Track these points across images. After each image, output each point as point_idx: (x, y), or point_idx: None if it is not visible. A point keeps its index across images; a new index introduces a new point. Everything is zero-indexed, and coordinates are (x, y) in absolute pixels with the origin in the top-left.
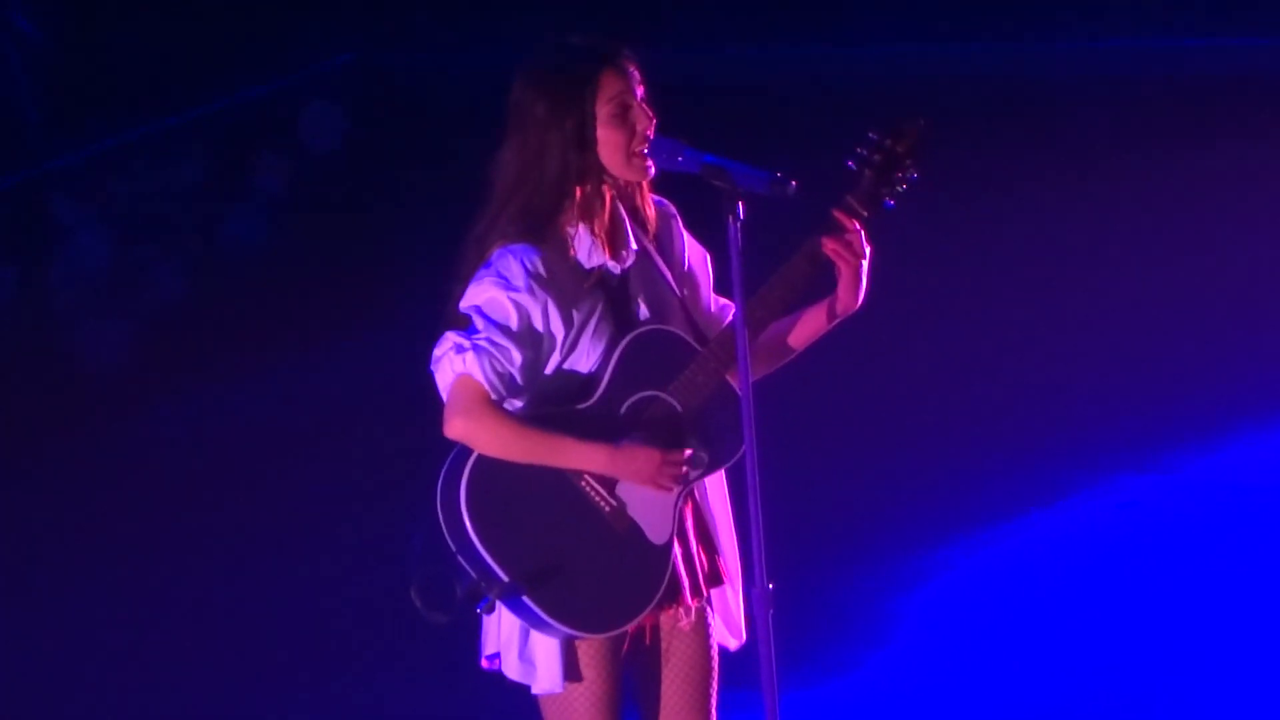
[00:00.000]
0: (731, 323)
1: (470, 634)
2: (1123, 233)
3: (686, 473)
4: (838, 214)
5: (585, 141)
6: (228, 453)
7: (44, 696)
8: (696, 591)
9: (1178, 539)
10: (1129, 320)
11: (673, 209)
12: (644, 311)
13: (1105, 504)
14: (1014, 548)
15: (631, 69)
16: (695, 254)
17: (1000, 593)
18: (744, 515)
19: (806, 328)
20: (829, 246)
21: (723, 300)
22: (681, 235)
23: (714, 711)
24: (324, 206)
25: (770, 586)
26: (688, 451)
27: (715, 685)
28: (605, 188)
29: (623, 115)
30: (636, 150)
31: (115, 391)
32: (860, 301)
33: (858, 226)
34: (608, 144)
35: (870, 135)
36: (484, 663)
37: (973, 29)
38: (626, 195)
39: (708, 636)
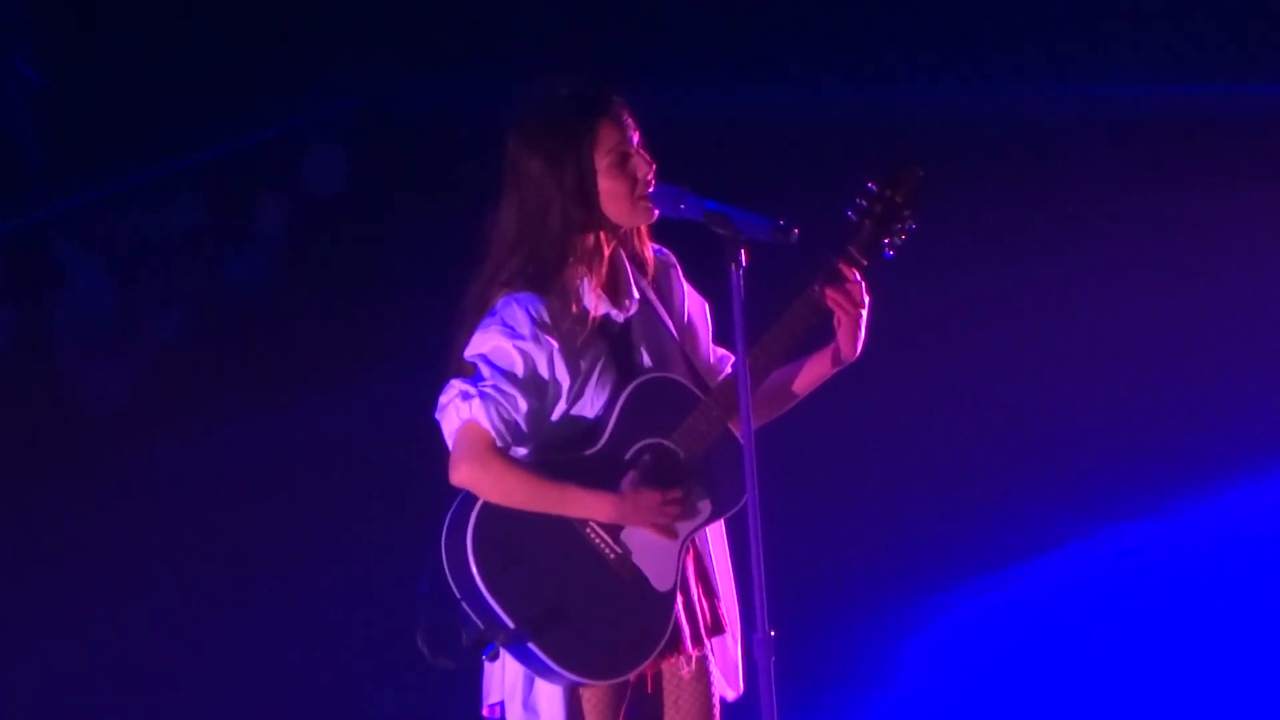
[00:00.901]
0: (733, 371)
1: (472, 682)
2: (1124, 277)
3: (686, 514)
4: (837, 263)
5: (587, 195)
6: (228, 493)
7: None
8: (698, 640)
9: (1178, 586)
10: (1130, 365)
11: (672, 258)
12: (646, 359)
13: (1106, 551)
14: (1016, 593)
15: (626, 116)
16: (695, 304)
17: (1002, 637)
18: (745, 562)
19: (807, 376)
20: (829, 296)
21: (721, 350)
22: (681, 284)
23: None
24: (326, 249)
25: (772, 634)
26: (682, 493)
27: None
28: (605, 238)
29: (622, 164)
30: (640, 196)
31: (117, 432)
32: (859, 350)
33: (858, 276)
34: (610, 194)
35: (869, 186)
36: (485, 711)
37: (976, 72)
38: (626, 241)
39: (709, 685)
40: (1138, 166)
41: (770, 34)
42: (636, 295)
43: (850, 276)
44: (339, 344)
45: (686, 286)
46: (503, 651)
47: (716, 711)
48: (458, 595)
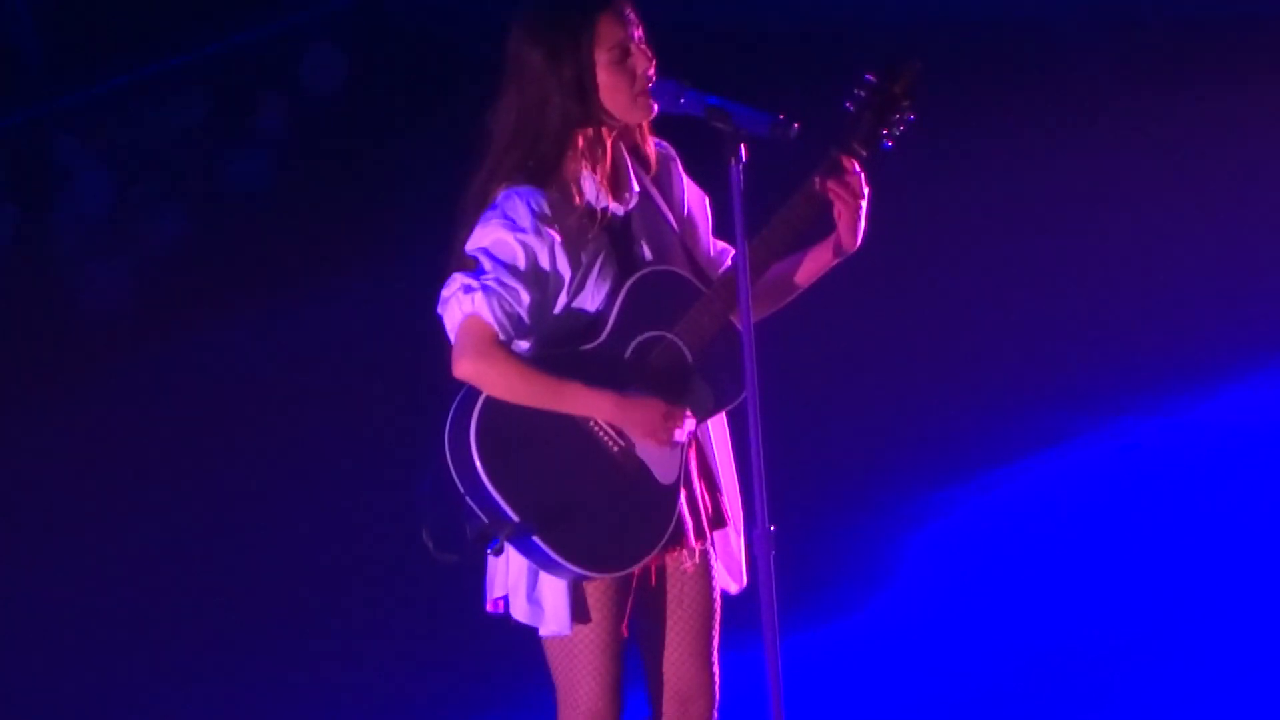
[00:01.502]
0: (734, 264)
1: (475, 577)
2: (1122, 175)
3: (686, 424)
4: (835, 154)
5: (585, 89)
6: (230, 394)
7: (42, 644)
8: (700, 534)
9: (1180, 482)
10: (1129, 263)
11: (672, 151)
12: (647, 253)
13: (1107, 448)
14: (1015, 490)
15: (628, 11)
16: (694, 197)
17: (1001, 535)
18: (746, 458)
19: (807, 268)
20: (828, 187)
21: (721, 244)
22: (681, 178)
23: (715, 653)
24: (326, 148)
25: (772, 529)
26: (686, 410)
27: (717, 628)
28: (606, 131)
29: (622, 60)
30: (639, 92)
31: (117, 332)
32: (859, 242)
33: (857, 167)
34: (609, 89)
35: (866, 77)
36: (489, 606)
37: None
38: (627, 135)
39: (710, 579)
40: (1138, 64)
41: None
42: (636, 189)
43: (849, 168)
44: (340, 242)
45: (686, 179)
46: (506, 546)
47: (718, 605)
48: (461, 490)
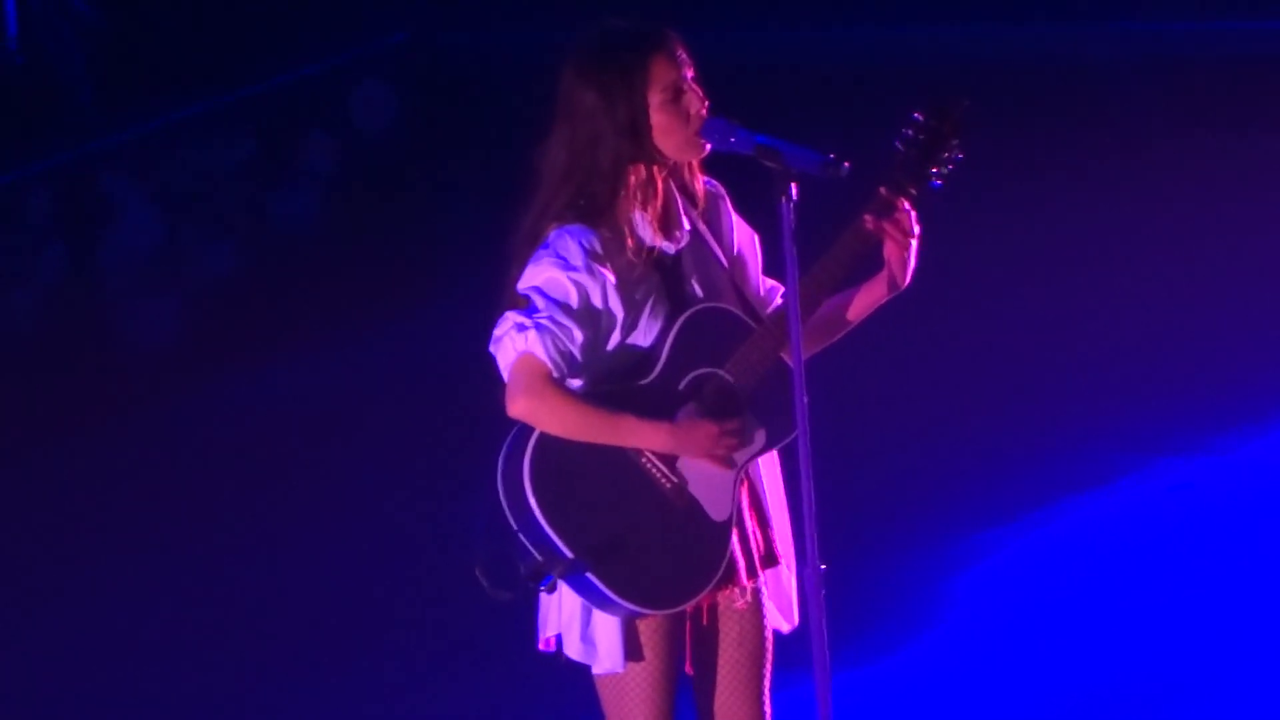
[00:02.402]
0: (785, 302)
1: (528, 615)
2: (1171, 215)
3: (741, 445)
4: (885, 192)
5: (639, 129)
6: (278, 431)
7: (88, 670)
8: (752, 572)
9: (1229, 522)
10: (1177, 302)
11: (722, 189)
12: (698, 290)
13: (1155, 487)
14: (1064, 529)
15: (680, 52)
16: (744, 235)
17: (1050, 574)
18: (796, 496)
19: (859, 304)
20: (879, 225)
21: (770, 282)
22: (730, 216)
23: (767, 692)
24: (375, 186)
25: (823, 567)
26: (739, 425)
27: (769, 667)
28: (658, 170)
29: (676, 100)
30: (692, 132)
31: (165, 370)
32: (909, 280)
33: (906, 205)
34: (663, 129)
35: (915, 115)
36: (541, 644)
37: (1020, 8)
38: (676, 173)
39: (762, 618)
40: (1183, 104)
41: None
42: (687, 227)
43: (899, 206)
44: (389, 280)
45: (735, 218)
46: (560, 584)
47: (769, 644)
48: (514, 527)
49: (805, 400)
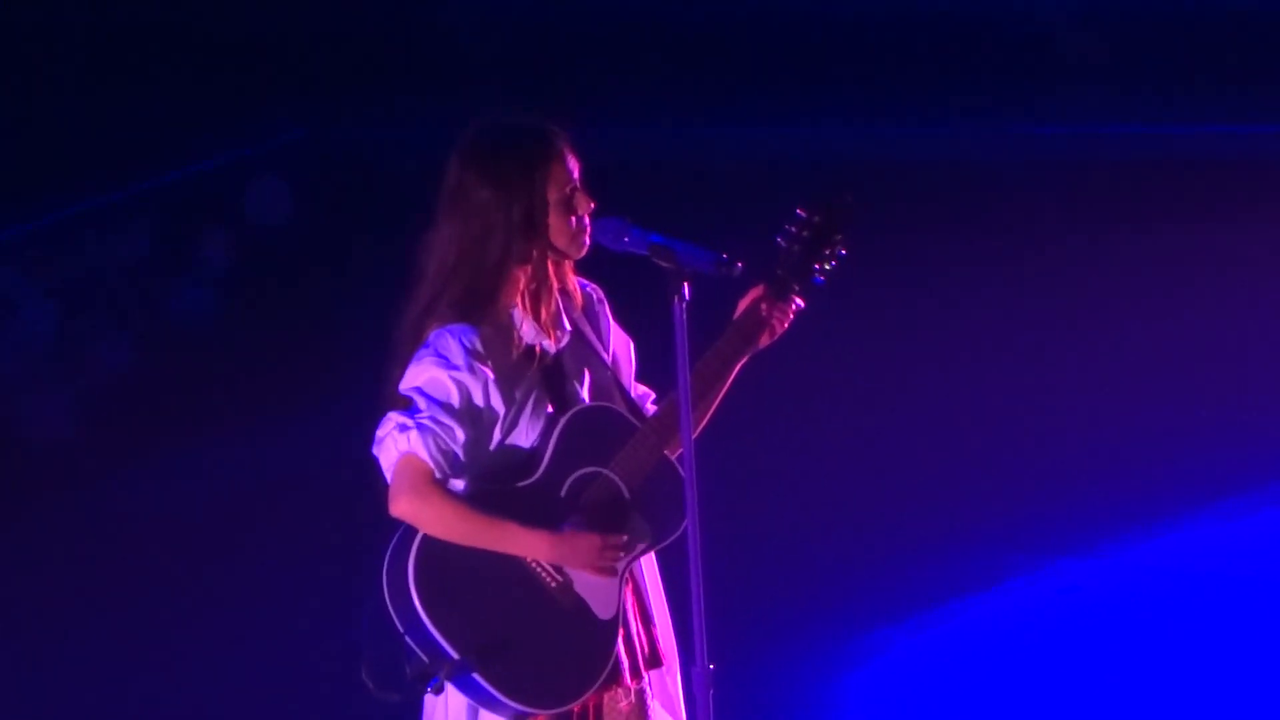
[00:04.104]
0: (669, 400)
1: (414, 716)
2: (1064, 317)
3: (625, 556)
4: (767, 289)
5: (535, 226)
6: (171, 527)
7: None
8: (636, 673)
9: (1118, 624)
10: (1069, 406)
11: (601, 294)
12: (579, 389)
13: (1045, 589)
14: (954, 629)
15: (570, 153)
16: (620, 341)
17: (940, 674)
18: (684, 593)
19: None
20: (763, 310)
21: (642, 388)
22: (609, 320)
23: None
24: (271, 282)
25: (711, 667)
26: (624, 537)
27: None
28: (541, 269)
29: (569, 201)
30: (579, 230)
31: (58, 465)
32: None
33: (796, 301)
34: (557, 228)
35: (799, 211)
36: None
37: (918, 112)
38: (557, 271)
39: (647, 718)
40: (1080, 206)
41: (712, 71)
42: (568, 327)
43: (780, 302)
44: (285, 376)
45: (613, 322)
46: (446, 684)
47: None
48: (400, 629)
49: (695, 496)
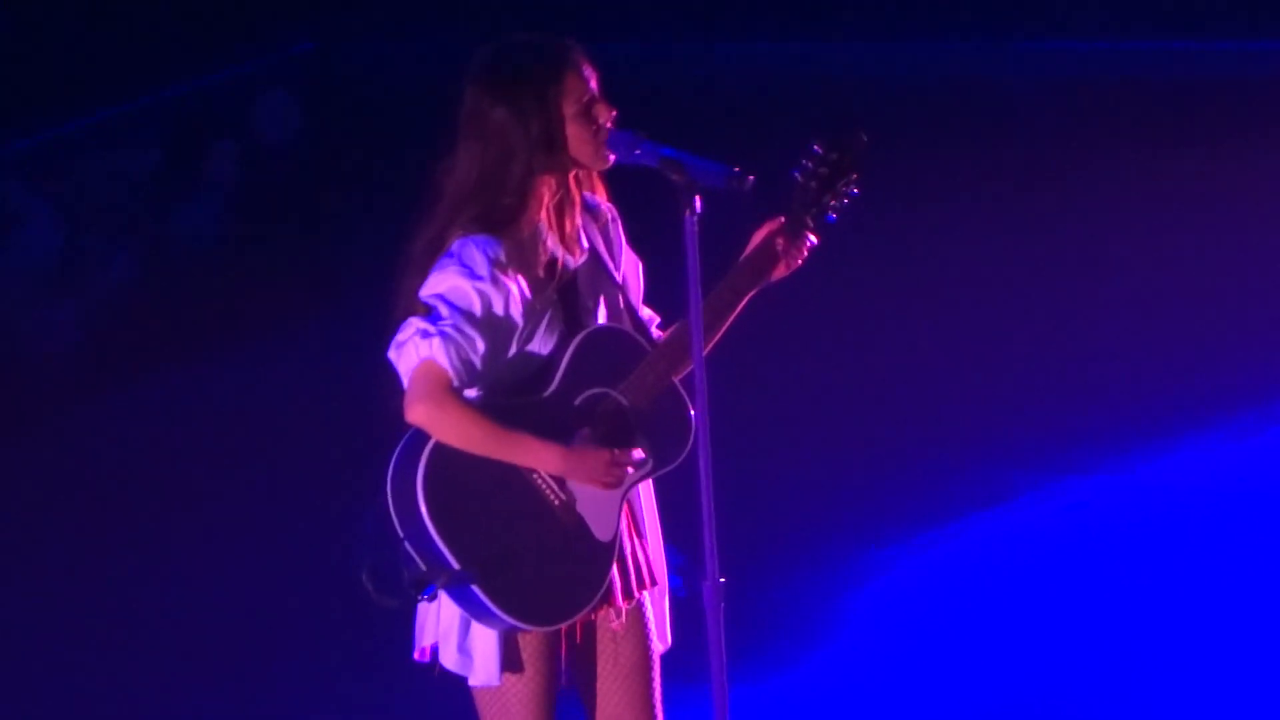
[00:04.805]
0: (680, 324)
1: (405, 623)
2: (1070, 235)
3: (632, 472)
4: (785, 222)
5: (553, 142)
6: (177, 442)
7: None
8: (628, 594)
9: (1124, 541)
10: (1075, 323)
11: (615, 213)
12: (593, 308)
13: (1052, 506)
14: (959, 548)
15: (586, 64)
16: (630, 262)
17: (946, 592)
18: (694, 510)
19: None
20: (778, 244)
21: (648, 312)
22: (622, 241)
23: (659, 706)
24: (278, 196)
25: (722, 581)
26: (636, 451)
27: (658, 683)
28: (563, 183)
29: (587, 111)
30: (601, 142)
31: (64, 379)
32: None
33: (810, 238)
34: (576, 140)
35: (814, 147)
36: (417, 654)
37: (923, 27)
38: (581, 185)
39: (645, 635)
40: (1087, 125)
41: None
42: (586, 245)
43: (802, 235)
44: (291, 290)
45: (625, 243)
46: (439, 593)
47: (655, 660)
48: (401, 535)
49: (705, 415)
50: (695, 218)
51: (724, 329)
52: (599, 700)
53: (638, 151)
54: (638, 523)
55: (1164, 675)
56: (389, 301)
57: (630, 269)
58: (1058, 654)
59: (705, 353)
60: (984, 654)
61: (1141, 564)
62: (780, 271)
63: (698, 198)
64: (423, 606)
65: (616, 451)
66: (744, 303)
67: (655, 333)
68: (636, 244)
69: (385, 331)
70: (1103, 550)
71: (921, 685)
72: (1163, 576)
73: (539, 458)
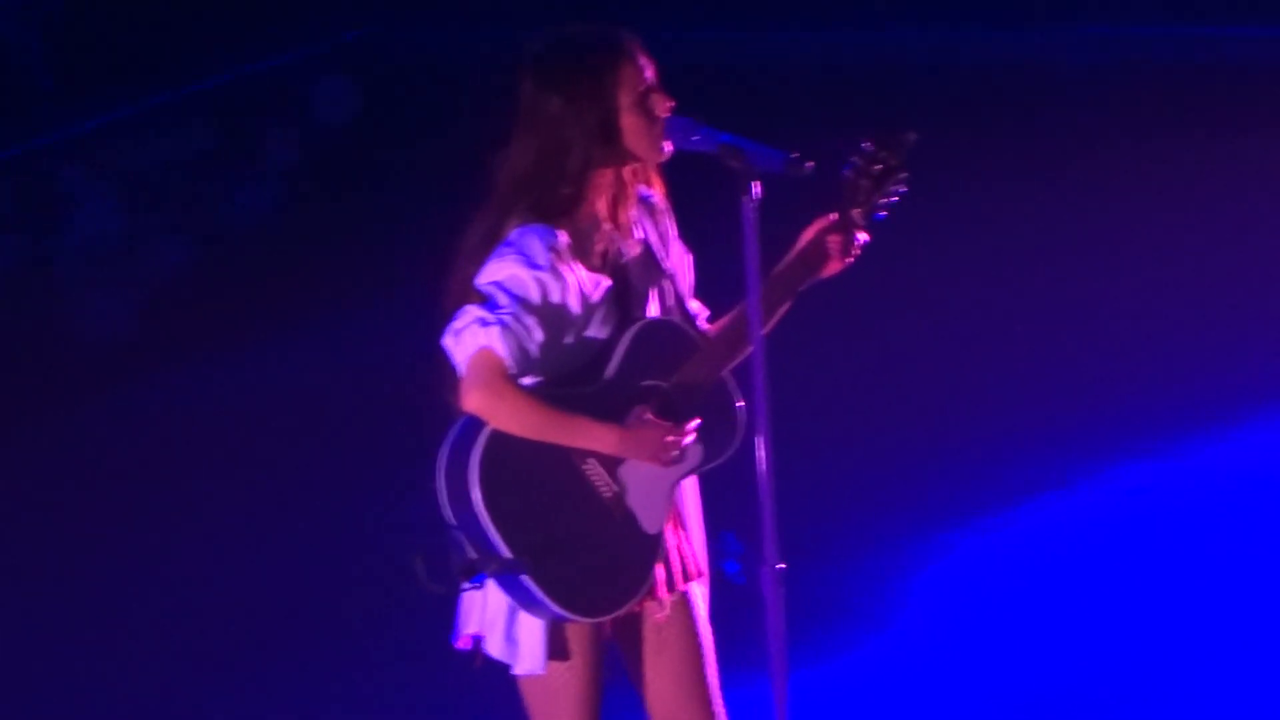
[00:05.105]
0: (731, 317)
1: (444, 614)
2: (1130, 221)
3: (686, 451)
4: (833, 218)
5: (609, 133)
6: (231, 425)
7: (41, 669)
8: (671, 586)
9: (1186, 526)
10: (1132, 307)
11: (667, 205)
12: (645, 300)
13: (1112, 490)
14: (1017, 533)
15: (641, 54)
16: (680, 255)
17: (1006, 576)
18: (751, 496)
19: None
20: (827, 241)
21: (695, 306)
22: (673, 232)
23: (716, 693)
24: (334, 180)
25: (781, 566)
26: (694, 422)
27: (713, 671)
28: (619, 174)
29: (643, 101)
30: (659, 133)
31: (120, 362)
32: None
33: (858, 236)
34: (632, 131)
35: (865, 145)
36: (460, 642)
37: (983, 13)
38: (634, 179)
39: (693, 623)
40: (1136, 108)
41: None
42: (639, 235)
43: (848, 231)
44: (346, 274)
45: (675, 235)
46: (488, 582)
47: (707, 647)
48: (452, 522)
49: (765, 401)
50: (754, 203)
51: (774, 321)
52: (650, 693)
53: (695, 137)
54: (681, 516)
55: (1228, 661)
56: (443, 288)
57: (680, 262)
58: (1118, 639)
59: (745, 354)
60: (1043, 639)
61: (1202, 549)
62: (833, 269)
63: (756, 183)
64: (467, 594)
65: (673, 426)
66: (792, 299)
67: (702, 325)
68: (693, 231)
69: (440, 317)
70: (1163, 535)
71: (980, 670)
72: (1224, 562)
73: (596, 439)
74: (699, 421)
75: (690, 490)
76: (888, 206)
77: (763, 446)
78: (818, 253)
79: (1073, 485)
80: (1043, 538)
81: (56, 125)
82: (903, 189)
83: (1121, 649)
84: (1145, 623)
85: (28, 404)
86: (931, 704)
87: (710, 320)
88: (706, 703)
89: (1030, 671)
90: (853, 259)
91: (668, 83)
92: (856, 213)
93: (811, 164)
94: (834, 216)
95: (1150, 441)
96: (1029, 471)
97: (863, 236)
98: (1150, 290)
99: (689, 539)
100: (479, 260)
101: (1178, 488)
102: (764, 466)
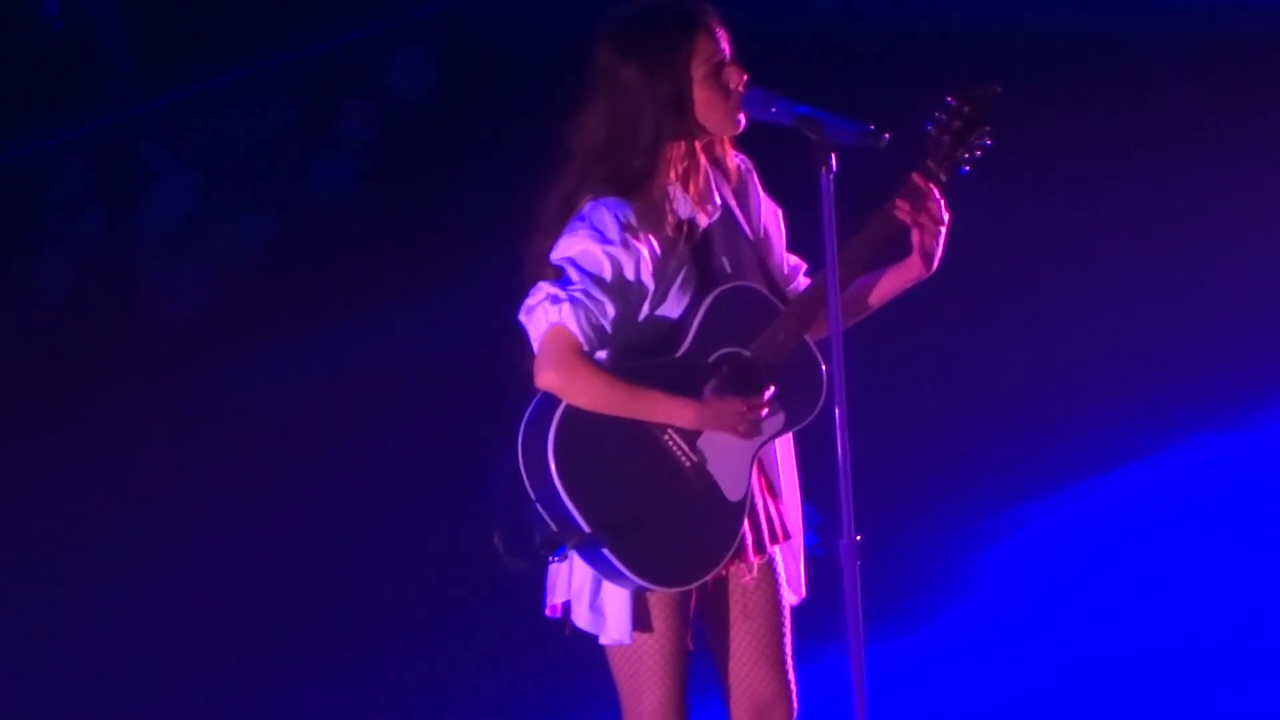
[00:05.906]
0: (811, 283)
1: (534, 582)
2: (1207, 192)
3: (766, 420)
4: (916, 178)
5: (682, 105)
6: (313, 398)
7: (118, 635)
8: (760, 548)
9: (1263, 497)
10: (1213, 278)
11: (750, 164)
12: (726, 267)
13: (1188, 463)
14: (1094, 506)
15: (718, 26)
16: (770, 212)
17: (1082, 550)
18: (830, 469)
19: (881, 289)
20: (908, 211)
21: (794, 260)
22: (758, 192)
23: (789, 662)
24: (412, 155)
25: (859, 538)
26: (769, 391)
27: (789, 636)
28: (694, 145)
29: (717, 74)
30: (733, 106)
31: (200, 336)
32: (935, 266)
33: (936, 193)
34: (704, 103)
35: (948, 100)
36: (548, 610)
37: None
38: (710, 148)
39: (776, 589)
40: (1217, 81)
41: None
42: (719, 202)
43: (929, 192)
44: (425, 248)
45: (762, 193)
46: (572, 554)
47: (786, 615)
48: (532, 497)
49: (842, 372)
50: (831, 176)
51: (873, 303)
52: (731, 653)
53: (773, 110)
54: (772, 482)
55: None
56: (520, 260)
57: (770, 218)
58: (1195, 612)
59: (847, 326)
60: (1120, 613)
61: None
62: (922, 239)
63: (833, 155)
64: (553, 567)
65: (749, 399)
66: (895, 284)
67: (802, 280)
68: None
69: (517, 289)
70: (1240, 508)
71: (1056, 643)
72: None
73: (672, 413)
74: (774, 391)
75: (785, 454)
76: (971, 161)
77: (840, 417)
78: (889, 225)
79: (1148, 458)
80: (1119, 511)
81: (135, 101)
82: (987, 143)
83: (1197, 621)
84: (1222, 594)
85: (107, 380)
86: (1007, 678)
87: (809, 274)
88: (783, 672)
89: (1107, 646)
90: (943, 224)
91: (744, 48)
92: (934, 166)
93: (888, 136)
94: (914, 177)
95: (1227, 412)
96: (1104, 445)
97: (937, 195)
98: (1225, 261)
99: (780, 505)
100: (553, 232)
101: (1255, 459)
102: (841, 437)
